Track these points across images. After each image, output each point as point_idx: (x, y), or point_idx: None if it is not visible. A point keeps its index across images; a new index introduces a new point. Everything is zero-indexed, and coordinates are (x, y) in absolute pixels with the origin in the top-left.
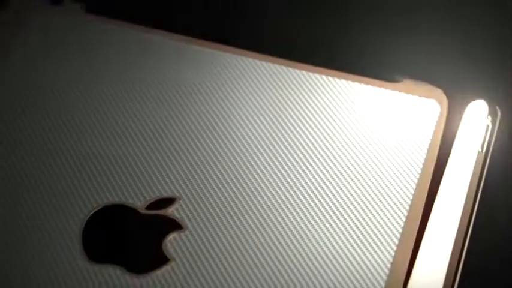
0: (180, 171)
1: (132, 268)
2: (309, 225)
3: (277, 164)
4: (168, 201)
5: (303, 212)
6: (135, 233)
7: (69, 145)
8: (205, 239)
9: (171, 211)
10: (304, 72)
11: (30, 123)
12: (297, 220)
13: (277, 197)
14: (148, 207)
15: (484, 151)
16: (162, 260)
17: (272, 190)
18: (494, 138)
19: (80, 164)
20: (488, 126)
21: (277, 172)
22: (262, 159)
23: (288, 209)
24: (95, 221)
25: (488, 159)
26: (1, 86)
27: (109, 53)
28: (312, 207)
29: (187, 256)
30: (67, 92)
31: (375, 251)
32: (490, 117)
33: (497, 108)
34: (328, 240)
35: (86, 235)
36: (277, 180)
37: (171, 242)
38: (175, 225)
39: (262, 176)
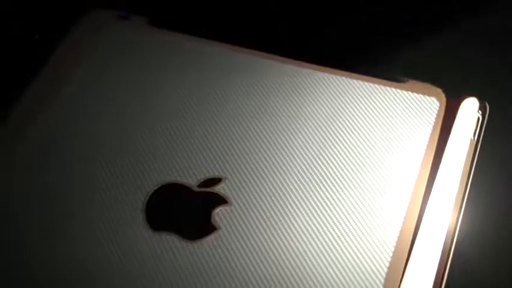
0: (226, 156)
1: (186, 235)
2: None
3: (293, 156)
4: (216, 181)
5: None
6: (188, 206)
7: (137, 138)
8: (246, 212)
9: (219, 188)
10: (314, 71)
11: (98, 120)
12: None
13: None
14: (200, 185)
15: (475, 139)
16: (211, 228)
17: (297, 181)
18: (483, 128)
19: (144, 151)
20: (479, 118)
21: (300, 163)
22: (282, 151)
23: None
24: (156, 196)
25: (479, 146)
26: (83, 86)
27: (173, 62)
28: (323, 198)
29: (231, 225)
30: (126, 93)
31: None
32: (480, 112)
33: (486, 104)
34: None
35: (148, 208)
36: (300, 171)
37: (218, 214)
38: (221, 200)
39: (287, 166)
